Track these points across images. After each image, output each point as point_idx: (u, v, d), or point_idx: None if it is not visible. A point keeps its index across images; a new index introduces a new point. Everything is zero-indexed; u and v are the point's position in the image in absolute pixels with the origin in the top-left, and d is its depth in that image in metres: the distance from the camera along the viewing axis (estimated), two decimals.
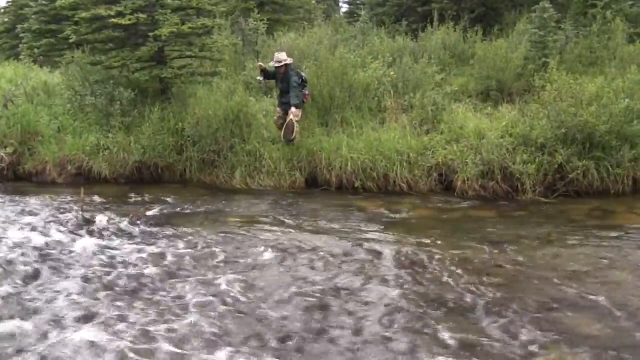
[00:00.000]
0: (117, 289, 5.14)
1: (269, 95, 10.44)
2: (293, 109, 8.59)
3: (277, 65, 8.84)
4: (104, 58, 10.22)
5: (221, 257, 5.88)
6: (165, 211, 7.69)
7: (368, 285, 5.11)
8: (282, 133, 8.67)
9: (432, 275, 5.30)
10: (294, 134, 8.61)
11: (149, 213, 7.57)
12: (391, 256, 5.77)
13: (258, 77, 9.50)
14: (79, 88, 10.37)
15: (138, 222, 7.11)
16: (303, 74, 9.02)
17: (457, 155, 8.20)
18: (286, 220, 7.10)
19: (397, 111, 9.46)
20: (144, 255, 5.92)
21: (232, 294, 4.98)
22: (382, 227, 6.77)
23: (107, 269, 5.54)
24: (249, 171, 8.98)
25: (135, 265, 5.67)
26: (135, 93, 9.95)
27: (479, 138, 8.25)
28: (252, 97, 9.97)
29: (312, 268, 5.53)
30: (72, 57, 11.33)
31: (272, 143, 9.15)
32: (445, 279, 5.21)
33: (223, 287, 5.11)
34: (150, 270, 5.51)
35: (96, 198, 8.18)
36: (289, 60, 8.90)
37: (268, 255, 5.88)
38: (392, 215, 7.29)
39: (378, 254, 5.83)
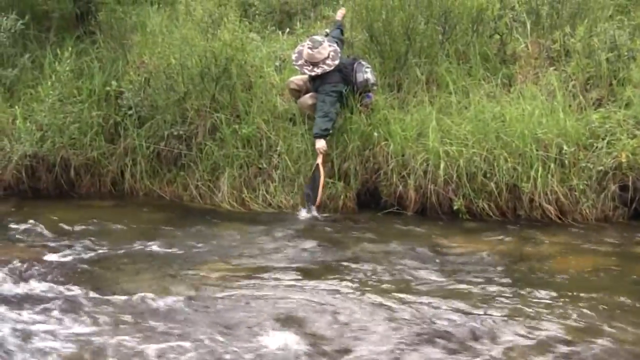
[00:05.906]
0: None
1: (288, 31, 10.39)
2: (317, 143, 8.85)
3: (312, 73, 9.03)
4: None
5: (185, 350, 5.72)
6: (80, 254, 7.71)
7: None
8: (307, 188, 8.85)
9: None
10: (318, 199, 8.74)
11: (49, 258, 7.62)
12: (525, 349, 5.58)
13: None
14: None
15: (27, 274, 7.11)
16: (366, 71, 9.19)
17: None
18: (314, 276, 7.09)
19: (539, 62, 9.49)
20: (31, 344, 5.77)
21: None
22: (507, 290, 6.70)
23: None
24: (246, 178, 9.05)
25: None
26: (26, 21, 10.09)
27: None
28: (254, 33, 10.01)
29: None
30: None
31: (292, 123, 9.20)
32: None
33: None
34: None
35: None
36: (333, 64, 9.01)
37: (275, 344, 5.73)
38: (526, 265, 7.32)
39: (496, 346, 5.64)
